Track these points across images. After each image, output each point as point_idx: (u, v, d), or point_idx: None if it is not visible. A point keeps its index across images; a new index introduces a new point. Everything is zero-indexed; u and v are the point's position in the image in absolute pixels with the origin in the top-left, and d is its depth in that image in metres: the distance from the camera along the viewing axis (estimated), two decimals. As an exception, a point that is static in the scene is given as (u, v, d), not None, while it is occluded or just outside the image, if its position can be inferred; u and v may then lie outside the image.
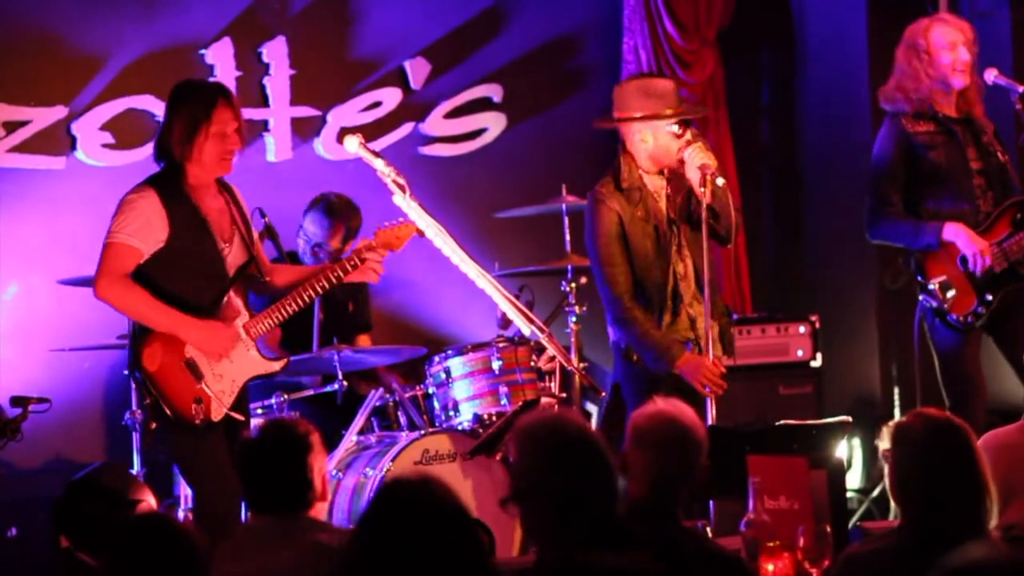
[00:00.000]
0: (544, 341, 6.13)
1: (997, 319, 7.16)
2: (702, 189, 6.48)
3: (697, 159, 6.54)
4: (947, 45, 7.19)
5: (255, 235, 6.37)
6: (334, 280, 6.19)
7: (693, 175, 6.56)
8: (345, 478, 6.96)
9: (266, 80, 8.54)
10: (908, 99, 7.22)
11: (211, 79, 8.40)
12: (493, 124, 9.08)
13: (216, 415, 6.02)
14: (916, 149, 7.17)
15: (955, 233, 7.05)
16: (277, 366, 6.30)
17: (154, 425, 6.17)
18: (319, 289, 6.19)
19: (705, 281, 6.54)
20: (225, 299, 6.14)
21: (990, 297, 7.08)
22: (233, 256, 6.18)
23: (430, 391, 7.40)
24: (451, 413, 7.27)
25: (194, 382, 6.05)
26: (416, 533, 3.18)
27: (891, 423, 4.25)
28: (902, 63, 7.28)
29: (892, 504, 4.24)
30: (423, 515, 3.21)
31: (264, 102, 8.52)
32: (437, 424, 7.33)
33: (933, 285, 7.12)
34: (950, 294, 7.10)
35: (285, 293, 6.24)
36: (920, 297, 7.22)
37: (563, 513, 3.90)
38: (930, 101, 7.20)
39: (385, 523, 3.22)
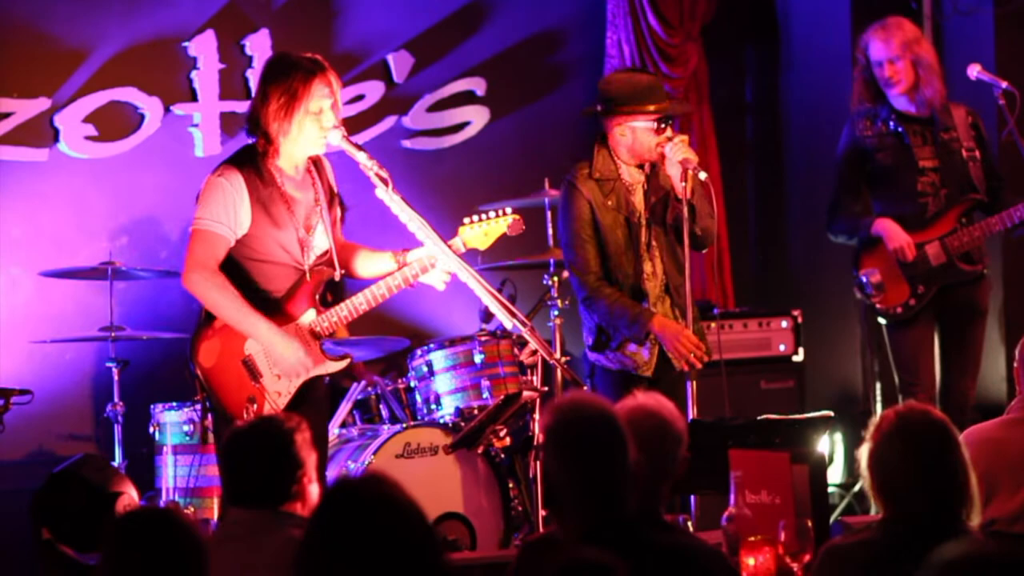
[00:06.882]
0: (526, 335, 6.11)
1: (945, 313, 7.47)
2: (683, 184, 6.48)
3: (679, 154, 6.54)
4: (877, 62, 7.44)
5: (337, 217, 6.21)
6: (411, 280, 6.06)
7: (674, 170, 6.55)
8: (327, 471, 6.95)
9: (249, 73, 8.52)
10: (857, 106, 7.54)
11: (194, 71, 8.41)
12: (476, 118, 9.08)
13: None
14: (866, 151, 7.50)
15: (881, 227, 7.38)
16: (338, 366, 6.11)
17: (208, 420, 6.02)
18: (395, 289, 6.06)
19: (687, 288, 6.56)
20: (298, 290, 6.02)
21: (922, 289, 7.37)
22: (313, 245, 6.05)
23: (412, 384, 7.40)
24: (433, 406, 7.26)
25: (250, 381, 5.91)
26: (364, 532, 3.15)
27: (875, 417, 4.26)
28: (854, 71, 7.59)
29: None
30: (371, 514, 3.17)
31: (247, 95, 8.48)
32: (419, 417, 7.32)
33: (864, 277, 7.45)
34: (877, 286, 7.41)
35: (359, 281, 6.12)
36: (855, 288, 7.55)
37: (576, 496, 3.97)
38: (880, 106, 7.46)
39: (332, 523, 3.18)
